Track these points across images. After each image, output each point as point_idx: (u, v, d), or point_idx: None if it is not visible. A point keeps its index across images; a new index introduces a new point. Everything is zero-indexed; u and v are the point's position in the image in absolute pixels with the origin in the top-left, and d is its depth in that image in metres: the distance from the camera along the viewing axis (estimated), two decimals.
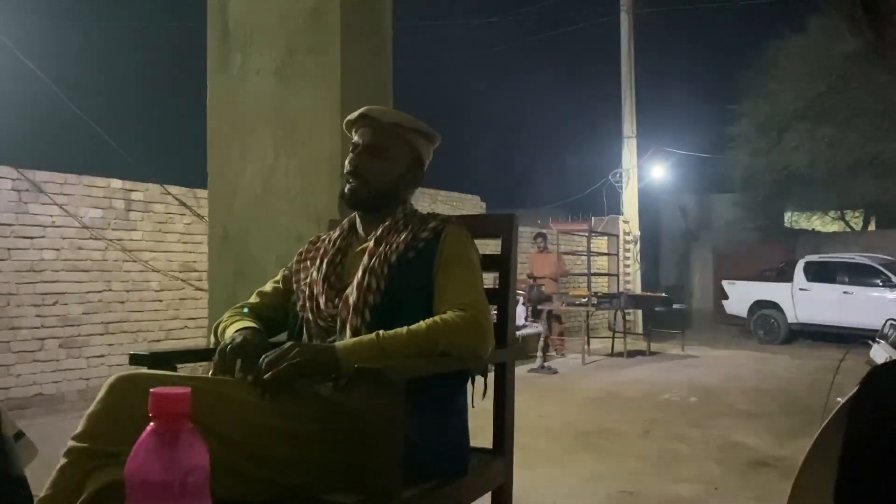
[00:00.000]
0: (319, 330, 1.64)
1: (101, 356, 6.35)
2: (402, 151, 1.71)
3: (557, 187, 14.82)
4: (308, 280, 1.71)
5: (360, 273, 1.61)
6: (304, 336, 1.68)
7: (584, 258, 9.94)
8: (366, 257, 1.63)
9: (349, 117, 1.74)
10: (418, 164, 1.75)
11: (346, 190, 1.69)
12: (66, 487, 1.21)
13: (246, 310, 1.76)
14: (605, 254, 12.14)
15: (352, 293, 1.59)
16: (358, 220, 1.76)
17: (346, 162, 1.70)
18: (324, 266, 1.69)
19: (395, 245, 1.63)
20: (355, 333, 1.54)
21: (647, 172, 14.44)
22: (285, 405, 1.39)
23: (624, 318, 10.27)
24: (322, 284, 1.66)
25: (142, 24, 14.27)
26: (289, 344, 1.42)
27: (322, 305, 1.64)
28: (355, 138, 1.72)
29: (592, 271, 10.17)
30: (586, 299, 9.37)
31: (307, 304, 1.67)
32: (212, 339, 1.76)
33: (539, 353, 8.22)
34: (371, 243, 1.66)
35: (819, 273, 11.69)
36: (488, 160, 20.56)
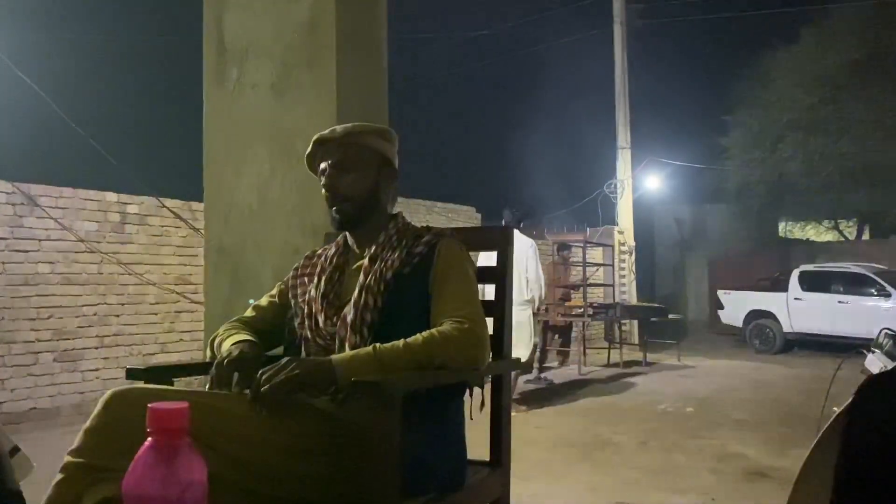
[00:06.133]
0: (318, 348, 1.64)
1: (96, 370, 6.33)
2: (366, 157, 1.71)
3: (553, 198, 14.84)
4: (306, 297, 1.71)
5: (356, 292, 1.61)
6: (303, 353, 1.68)
7: (580, 269, 9.93)
8: (361, 275, 1.64)
9: (307, 151, 1.75)
10: (386, 163, 1.75)
11: (334, 215, 1.70)
12: (63, 503, 1.21)
13: (250, 307, 1.75)
14: (600, 264, 12.15)
15: (349, 312, 1.60)
16: (349, 237, 1.77)
17: (322, 189, 1.71)
18: (322, 284, 1.70)
19: (389, 262, 1.64)
20: None
21: (641, 183, 14.47)
22: (282, 419, 1.39)
23: (620, 328, 10.26)
24: (321, 303, 1.67)
25: (138, 38, 14.29)
26: (286, 359, 1.43)
27: (321, 324, 1.64)
28: (321, 166, 1.73)
29: (588, 282, 10.16)
30: (582, 310, 9.36)
31: (306, 322, 1.68)
32: (208, 352, 1.76)
33: (535, 365, 8.20)
34: (366, 261, 1.67)
35: (814, 283, 11.72)
36: (484, 171, 20.59)
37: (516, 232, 5.92)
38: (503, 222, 6.41)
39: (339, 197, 1.68)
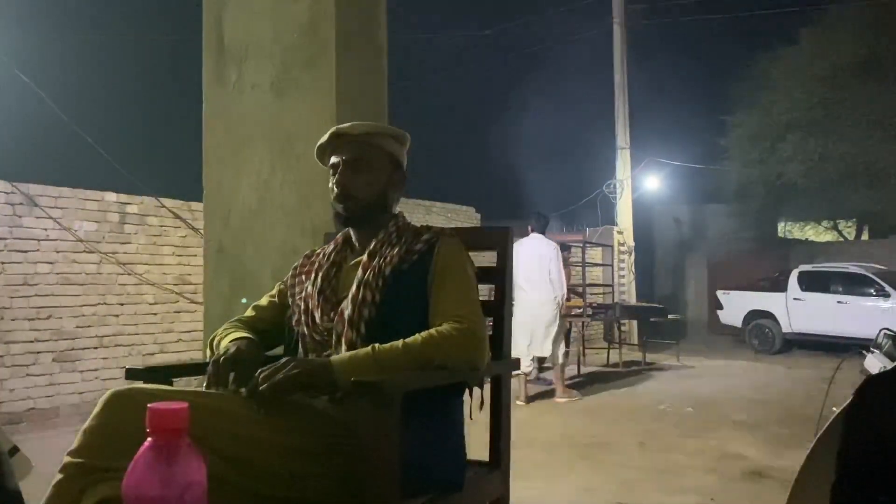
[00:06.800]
0: (315, 344, 1.64)
1: (96, 370, 6.32)
2: (381, 159, 1.72)
3: (552, 198, 14.85)
4: (303, 294, 1.71)
5: (354, 286, 1.61)
6: (301, 350, 1.68)
7: (580, 269, 9.94)
8: (360, 270, 1.64)
9: (320, 142, 1.74)
10: (397, 166, 1.76)
11: (339, 211, 1.69)
12: (62, 503, 1.21)
13: (249, 306, 1.76)
14: (599, 264, 12.16)
15: (347, 307, 1.60)
16: (352, 234, 1.77)
17: (332, 184, 1.70)
18: (319, 280, 1.70)
19: (388, 258, 1.64)
20: (351, 347, 1.54)
21: (640, 183, 14.47)
22: (280, 419, 1.39)
23: (619, 328, 10.25)
24: (317, 298, 1.67)
25: (138, 38, 14.28)
26: (284, 359, 1.42)
27: (318, 319, 1.64)
28: (333, 160, 1.72)
29: (587, 282, 10.17)
30: (581, 310, 9.36)
31: (303, 318, 1.68)
32: (207, 352, 1.76)
33: (535, 365, 8.21)
34: (365, 257, 1.66)
35: (813, 283, 11.73)
36: (483, 171, 20.59)
37: (542, 236, 6.65)
38: (529, 229, 6.81)
39: (349, 195, 1.67)
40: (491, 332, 1.78)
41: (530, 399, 6.79)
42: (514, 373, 6.59)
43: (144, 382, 1.56)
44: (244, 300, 1.88)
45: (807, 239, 18.60)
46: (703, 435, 5.38)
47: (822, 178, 14.12)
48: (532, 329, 6.57)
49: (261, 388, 1.36)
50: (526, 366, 6.69)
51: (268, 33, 2.54)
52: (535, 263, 6.50)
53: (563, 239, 10.00)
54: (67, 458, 1.24)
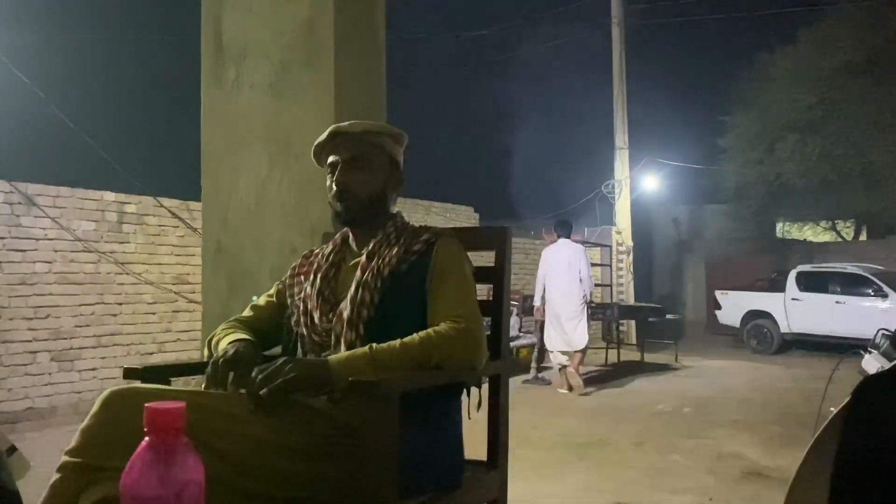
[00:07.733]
0: (314, 345, 1.64)
1: (94, 369, 6.32)
2: (380, 158, 1.72)
3: (551, 198, 14.85)
4: (302, 295, 1.71)
5: (353, 287, 1.61)
6: (299, 350, 1.68)
7: None
8: (359, 271, 1.63)
9: (318, 141, 1.73)
10: (396, 166, 1.76)
11: (338, 209, 1.69)
12: (60, 503, 1.21)
13: (253, 304, 1.76)
14: (598, 264, 12.16)
15: (346, 308, 1.60)
16: (351, 234, 1.77)
17: (331, 183, 1.69)
18: (317, 281, 1.70)
19: (387, 258, 1.64)
20: (350, 348, 1.54)
21: (639, 183, 14.48)
22: (278, 418, 1.39)
23: (617, 328, 10.25)
24: (316, 299, 1.67)
25: (136, 38, 14.27)
26: (282, 359, 1.42)
27: (316, 320, 1.64)
28: (331, 159, 1.71)
29: None
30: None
31: (302, 319, 1.67)
32: (205, 352, 1.76)
33: (533, 365, 8.22)
34: (363, 257, 1.66)
35: (811, 283, 11.74)
36: (482, 171, 20.60)
37: (569, 241, 7.34)
38: (557, 235, 7.47)
39: (348, 193, 1.67)
40: (489, 332, 1.78)
41: (586, 384, 7.51)
42: (556, 367, 7.43)
43: (142, 382, 1.56)
44: (255, 298, 1.88)
45: (805, 239, 18.62)
46: (701, 435, 5.38)
47: (820, 179, 14.14)
48: (564, 327, 7.14)
49: (261, 393, 1.36)
50: (560, 361, 7.37)
51: (266, 33, 2.54)
52: (565, 268, 7.16)
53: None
54: (65, 458, 1.24)
